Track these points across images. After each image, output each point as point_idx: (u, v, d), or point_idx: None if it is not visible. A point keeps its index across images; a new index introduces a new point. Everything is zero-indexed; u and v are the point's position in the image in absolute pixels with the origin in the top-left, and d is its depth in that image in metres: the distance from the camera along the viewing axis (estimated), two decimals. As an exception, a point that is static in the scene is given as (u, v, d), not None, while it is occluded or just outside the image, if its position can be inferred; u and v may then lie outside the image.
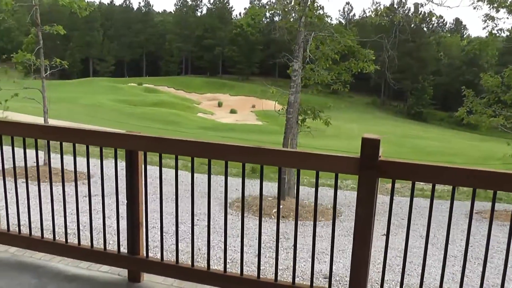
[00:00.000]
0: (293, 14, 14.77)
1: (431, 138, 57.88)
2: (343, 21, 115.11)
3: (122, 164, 4.10)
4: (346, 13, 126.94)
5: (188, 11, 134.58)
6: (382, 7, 14.46)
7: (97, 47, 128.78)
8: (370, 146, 3.13)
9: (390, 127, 69.66)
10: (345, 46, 14.21)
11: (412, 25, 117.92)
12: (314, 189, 12.37)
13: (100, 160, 4.23)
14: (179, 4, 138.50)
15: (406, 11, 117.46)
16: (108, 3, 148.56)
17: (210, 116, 75.26)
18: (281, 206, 13.04)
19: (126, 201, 4.02)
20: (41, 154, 18.63)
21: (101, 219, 4.48)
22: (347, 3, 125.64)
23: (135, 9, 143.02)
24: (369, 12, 14.72)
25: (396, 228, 12.51)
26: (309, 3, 13.75)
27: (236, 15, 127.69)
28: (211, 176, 3.88)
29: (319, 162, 3.42)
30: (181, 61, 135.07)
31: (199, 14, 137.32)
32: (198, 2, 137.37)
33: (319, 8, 14.34)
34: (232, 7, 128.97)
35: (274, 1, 15.11)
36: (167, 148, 4.23)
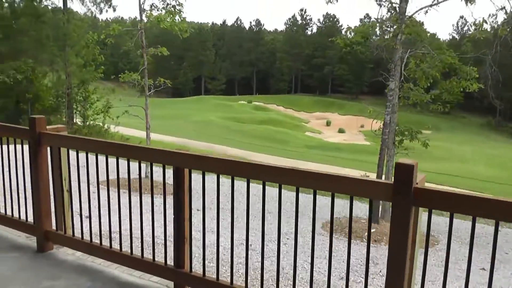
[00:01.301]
0: (390, 31, 14.28)
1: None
2: (457, 37, 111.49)
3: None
4: (459, 27, 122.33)
5: (298, 30, 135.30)
6: (487, 19, 13.52)
7: (209, 66, 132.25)
8: (403, 171, 2.90)
9: (506, 150, 65.99)
10: (446, 63, 13.51)
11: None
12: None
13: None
14: (289, 23, 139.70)
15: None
16: (220, 23, 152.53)
17: (317, 135, 74.93)
18: (373, 230, 12.59)
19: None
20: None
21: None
22: (461, 17, 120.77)
23: (246, 29, 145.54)
24: (487, 24, 13.82)
25: (499, 263, 11.63)
26: (407, 20, 13.22)
27: (346, 34, 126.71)
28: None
29: (352, 187, 3.26)
30: (291, 79, 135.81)
31: (309, 32, 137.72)
32: (308, 20, 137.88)
33: (418, 24, 13.77)
34: (341, 26, 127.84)
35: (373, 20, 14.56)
36: (208, 167, 4.23)
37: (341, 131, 79.28)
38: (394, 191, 2.94)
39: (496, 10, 12.51)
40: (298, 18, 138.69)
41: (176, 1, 16.08)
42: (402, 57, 12.61)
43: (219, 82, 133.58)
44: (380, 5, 14.29)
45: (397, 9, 13.19)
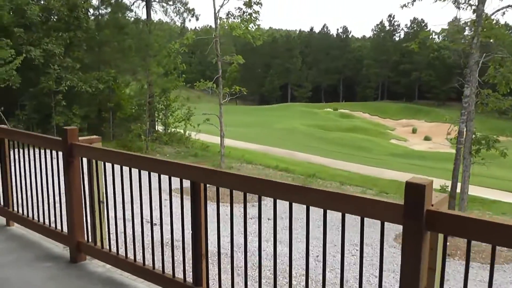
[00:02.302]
0: (466, 34, 13.75)
1: None
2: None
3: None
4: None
5: (386, 36, 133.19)
6: None
7: (295, 73, 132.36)
8: (414, 192, 2.63)
9: None
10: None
11: None
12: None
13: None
14: (376, 29, 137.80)
15: None
16: (308, 31, 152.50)
17: (403, 142, 73.37)
18: (447, 243, 12.09)
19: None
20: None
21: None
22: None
23: (333, 36, 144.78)
24: None
25: None
26: (485, 22, 12.69)
27: (434, 38, 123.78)
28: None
29: (362, 207, 3.07)
30: (377, 86, 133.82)
31: (396, 38, 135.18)
32: (396, 26, 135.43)
33: (499, 26, 13.16)
34: (430, 30, 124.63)
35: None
36: (220, 182, 4.04)
37: (427, 138, 77.13)
38: (404, 214, 2.69)
39: None
40: (386, 24, 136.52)
41: (252, 9, 16.13)
42: (478, 62, 12.07)
43: (305, 89, 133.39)
44: (458, 8, 13.84)
45: (474, 11, 12.70)
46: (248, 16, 16.19)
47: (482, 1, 12.50)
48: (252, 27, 16.08)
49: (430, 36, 14.90)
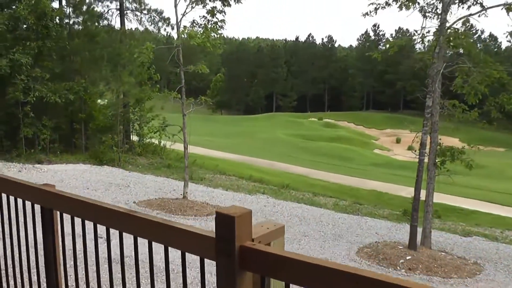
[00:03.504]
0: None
1: None
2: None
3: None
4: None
5: (371, 46, 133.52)
6: None
7: (281, 83, 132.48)
8: (224, 224, 2.11)
9: None
10: (494, 78, 12.53)
11: None
12: (466, 238, 10.82)
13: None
14: (361, 39, 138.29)
15: None
16: (293, 40, 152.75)
17: (386, 152, 73.26)
18: (409, 257, 11.72)
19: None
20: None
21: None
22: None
23: (319, 45, 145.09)
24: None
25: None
26: (451, 31, 12.38)
27: (419, 48, 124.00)
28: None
29: (181, 239, 2.41)
30: (363, 96, 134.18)
31: (382, 48, 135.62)
32: (381, 36, 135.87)
33: (464, 36, 12.86)
34: (414, 41, 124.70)
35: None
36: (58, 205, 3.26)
37: (410, 148, 76.97)
38: (216, 250, 2.19)
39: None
40: (371, 33, 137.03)
41: (215, 18, 15.77)
42: (438, 72, 11.74)
43: (290, 99, 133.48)
44: (425, 16, 13.53)
45: (437, 19, 12.40)
46: (214, 25, 15.84)
47: (445, 10, 12.18)
48: (214, 36, 15.67)
49: (393, 46, 14.51)
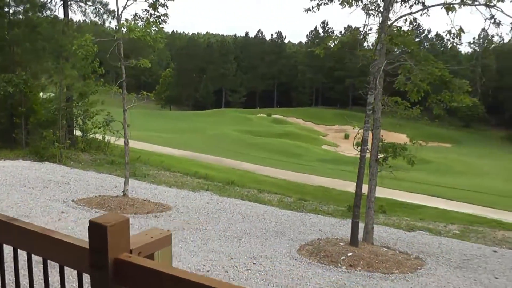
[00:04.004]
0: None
1: None
2: (477, 49, 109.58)
3: None
4: (481, 39, 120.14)
5: (320, 42, 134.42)
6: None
7: (230, 78, 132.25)
8: (96, 235, 1.88)
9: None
10: (435, 76, 12.64)
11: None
12: (410, 233, 10.85)
13: None
14: (311, 35, 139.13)
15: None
16: (243, 36, 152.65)
17: (334, 148, 73.97)
18: (350, 254, 11.73)
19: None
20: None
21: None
22: (483, 29, 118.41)
23: (268, 41, 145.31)
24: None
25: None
26: (393, 29, 12.43)
27: (368, 45, 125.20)
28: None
29: (52, 250, 2.15)
30: (312, 92, 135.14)
31: (331, 45, 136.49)
32: (330, 33, 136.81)
33: (406, 34, 12.94)
34: (362, 38, 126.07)
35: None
36: None
37: (358, 144, 77.90)
38: (89, 262, 1.96)
39: (485, 20, 11.64)
40: (320, 30, 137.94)
41: (157, 12, 15.48)
42: (379, 69, 11.77)
43: (240, 94, 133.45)
44: (368, 14, 13.57)
45: (379, 17, 12.46)
46: (156, 19, 15.54)
47: (386, 7, 12.24)
48: (156, 30, 15.38)
49: (335, 42, 14.61)
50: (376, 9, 13.30)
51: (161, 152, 40.55)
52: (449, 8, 11.28)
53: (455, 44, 12.21)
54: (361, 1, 13.14)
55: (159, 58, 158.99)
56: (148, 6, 15.38)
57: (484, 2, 11.25)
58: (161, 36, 15.57)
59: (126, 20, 15.70)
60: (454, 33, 11.74)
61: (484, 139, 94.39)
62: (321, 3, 13.09)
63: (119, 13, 15.17)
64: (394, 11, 13.14)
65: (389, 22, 12.24)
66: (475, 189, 38.31)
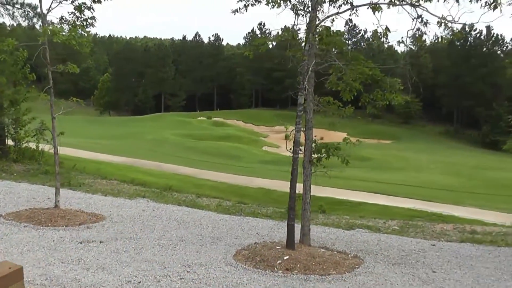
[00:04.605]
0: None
1: (507, 169, 54.04)
2: (413, 48, 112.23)
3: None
4: (408, 38, 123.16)
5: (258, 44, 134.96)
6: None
7: (169, 82, 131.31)
8: None
9: (461, 158, 66.21)
10: (366, 75, 12.65)
11: (485, 49, 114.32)
12: (349, 232, 10.77)
13: None
14: (248, 37, 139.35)
15: (478, 34, 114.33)
16: (180, 39, 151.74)
17: (275, 149, 74.16)
18: (287, 257, 11.56)
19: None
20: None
21: None
22: (418, 29, 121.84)
23: (206, 44, 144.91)
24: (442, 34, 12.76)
25: (422, 284, 10.80)
26: (315, 28, 12.38)
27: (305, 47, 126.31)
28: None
29: None
30: (251, 94, 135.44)
31: (269, 46, 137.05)
32: (267, 34, 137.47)
33: (335, 34, 12.90)
34: (300, 39, 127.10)
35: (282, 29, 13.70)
36: None
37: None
38: None
39: (413, 19, 11.70)
40: (258, 32, 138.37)
41: (83, 14, 15.00)
42: (308, 69, 11.68)
43: (179, 98, 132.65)
44: (297, 14, 13.46)
45: (307, 17, 12.37)
46: (82, 22, 15.06)
47: (314, 7, 12.18)
48: (82, 33, 14.89)
49: (268, 43, 14.58)
50: (305, 9, 13.20)
51: (99, 159, 39.62)
52: (375, 8, 11.28)
53: (383, 43, 12.24)
54: (289, 1, 13.00)
55: (96, 63, 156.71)
56: (74, 8, 14.89)
57: (409, 2, 11.30)
58: (87, 41, 15.04)
59: (52, 23, 15.18)
60: (380, 32, 11.73)
61: (422, 135, 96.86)
62: (248, 4, 12.92)
63: (44, 16, 14.67)
64: (323, 11, 13.09)
65: (317, 22, 12.14)
66: (415, 184, 39.12)
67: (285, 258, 11.43)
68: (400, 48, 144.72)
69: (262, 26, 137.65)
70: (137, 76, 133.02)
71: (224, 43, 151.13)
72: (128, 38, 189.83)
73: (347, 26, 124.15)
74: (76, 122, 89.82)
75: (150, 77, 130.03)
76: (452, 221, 19.53)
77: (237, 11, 13.01)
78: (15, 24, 32.63)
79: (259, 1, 12.74)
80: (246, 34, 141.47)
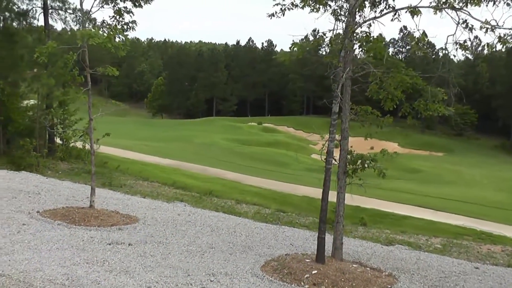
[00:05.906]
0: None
1: None
2: (470, 57, 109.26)
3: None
4: (473, 47, 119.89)
5: (310, 51, 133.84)
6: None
7: (221, 87, 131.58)
8: None
9: (516, 173, 63.75)
10: (407, 83, 12.10)
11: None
12: (388, 247, 10.22)
13: None
14: (301, 43, 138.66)
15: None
16: (234, 44, 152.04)
17: (323, 157, 73.40)
18: (315, 271, 11.11)
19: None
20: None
21: None
22: (476, 37, 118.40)
23: (258, 49, 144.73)
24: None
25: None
26: (351, 33, 11.92)
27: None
28: None
29: None
30: (303, 100, 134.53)
31: (323, 53, 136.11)
32: (321, 41, 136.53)
33: (376, 40, 12.37)
34: (329, 45, 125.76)
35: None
36: None
37: (350, 153, 77.48)
38: None
39: (457, 25, 11.09)
40: (311, 38, 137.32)
41: (122, 18, 15.02)
42: (342, 77, 11.23)
43: (230, 103, 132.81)
44: (338, 20, 13.04)
45: (343, 23, 11.94)
46: (123, 26, 15.10)
47: (351, 12, 11.73)
48: (120, 37, 14.88)
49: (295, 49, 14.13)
50: (346, 14, 12.75)
51: (145, 161, 40.00)
52: (414, 12, 10.73)
53: (425, 51, 11.68)
54: (329, 6, 12.58)
55: (150, 66, 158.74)
56: (114, 12, 14.93)
57: (451, 6, 10.71)
58: (124, 44, 15.00)
59: (93, 25, 15.29)
60: (417, 37, 11.19)
61: (476, 148, 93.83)
62: (284, 8, 12.56)
63: (85, 18, 14.80)
64: (364, 16, 12.65)
65: (355, 27, 11.68)
66: (465, 200, 37.71)
67: (313, 272, 10.99)
68: (457, 57, 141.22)
69: (316, 33, 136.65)
70: (190, 80, 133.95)
71: (277, 49, 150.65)
72: (183, 42, 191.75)
73: (401, 34, 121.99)
74: (128, 123, 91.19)
75: (202, 81, 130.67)
76: (501, 242, 18.52)
77: (273, 15, 12.68)
78: (67, 28, 33.27)
79: (296, 5, 12.35)
80: (300, 41, 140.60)
